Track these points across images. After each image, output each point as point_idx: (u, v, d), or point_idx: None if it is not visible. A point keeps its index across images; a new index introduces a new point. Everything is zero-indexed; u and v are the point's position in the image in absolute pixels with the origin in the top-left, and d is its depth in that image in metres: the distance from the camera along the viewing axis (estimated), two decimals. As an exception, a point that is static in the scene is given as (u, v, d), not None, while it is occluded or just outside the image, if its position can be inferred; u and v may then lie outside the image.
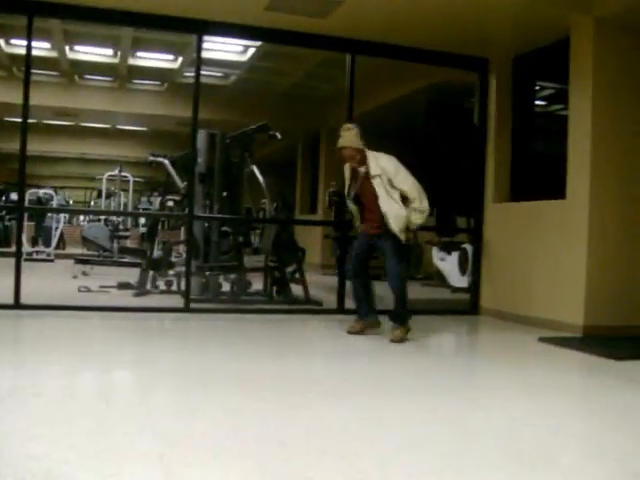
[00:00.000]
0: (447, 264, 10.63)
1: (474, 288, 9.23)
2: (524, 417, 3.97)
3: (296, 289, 9.38)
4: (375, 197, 6.61)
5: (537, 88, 9.44)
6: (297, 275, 9.51)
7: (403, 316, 6.87)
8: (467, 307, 9.19)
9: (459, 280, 9.99)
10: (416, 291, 10.55)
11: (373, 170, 6.63)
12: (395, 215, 6.58)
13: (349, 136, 6.73)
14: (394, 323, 6.88)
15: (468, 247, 9.60)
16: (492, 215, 9.08)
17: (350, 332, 6.99)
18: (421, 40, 8.57)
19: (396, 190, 6.62)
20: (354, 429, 3.55)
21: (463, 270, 9.86)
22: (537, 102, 9.70)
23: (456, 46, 8.73)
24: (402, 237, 6.67)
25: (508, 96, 9.11)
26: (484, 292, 9.13)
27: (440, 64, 9.52)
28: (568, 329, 7.40)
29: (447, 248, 10.65)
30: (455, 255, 10.23)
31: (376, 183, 6.61)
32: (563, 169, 7.76)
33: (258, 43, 11.61)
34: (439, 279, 11.08)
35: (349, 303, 8.65)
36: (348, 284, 8.72)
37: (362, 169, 6.74)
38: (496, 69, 9.11)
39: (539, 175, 9.07)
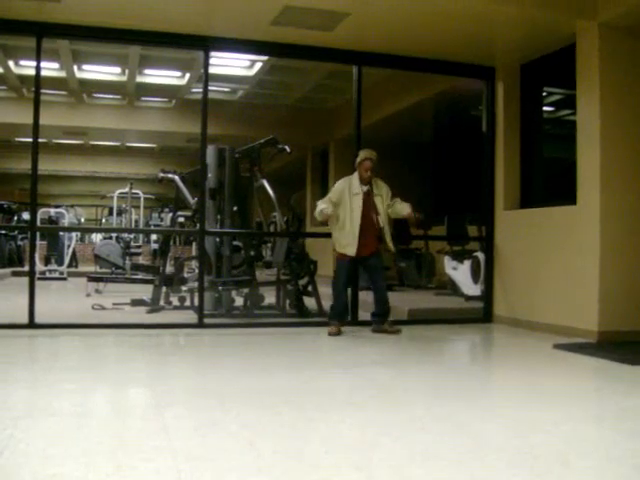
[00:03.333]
0: (459, 273, 10.61)
1: (487, 296, 9.22)
2: (539, 423, 3.95)
3: (309, 302, 9.37)
4: (375, 214, 7.82)
5: (545, 94, 9.41)
6: (309, 288, 9.50)
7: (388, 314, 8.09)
8: (480, 315, 9.17)
9: (472, 288, 9.97)
10: (429, 300, 10.58)
11: (377, 190, 7.92)
12: (387, 230, 7.93)
13: (376, 155, 7.88)
14: (383, 322, 8.05)
15: (480, 255, 9.58)
16: (503, 222, 9.06)
17: (331, 334, 7.75)
18: (427, 50, 8.59)
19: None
20: (369, 440, 3.54)
21: (475, 278, 9.84)
22: (545, 108, 9.67)
23: (463, 55, 8.75)
24: (393, 248, 8.08)
25: (516, 103, 9.11)
26: (497, 300, 9.12)
27: (447, 73, 9.56)
28: (582, 335, 7.38)
29: (459, 257, 10.63)
30: (467, 264, 10.21)
31: (378, 201, 7.88)
32: (573, 174, 7.75)
33: (265, 57, 11.65)
34: (452, 288, 11.05)
35: (362, 315, 8.68)
36: (362, 295, 8.77)
37: (366, 187, 7.85)
38: (503, 77, 9.12)
39: (549, 181, 9.05)
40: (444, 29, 7.90)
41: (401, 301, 10.12)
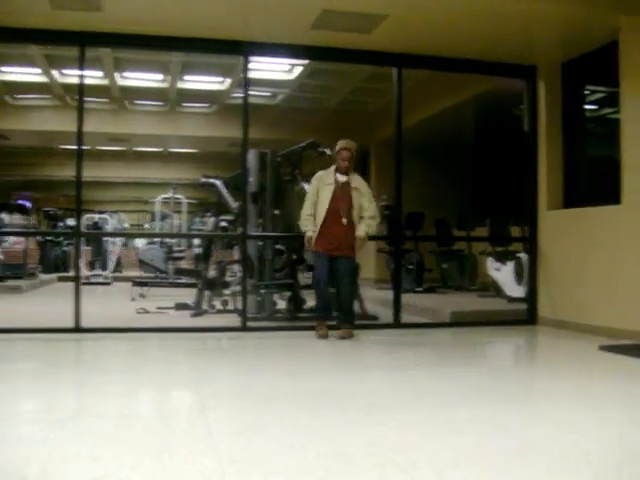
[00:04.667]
0: (502, 274, 10.52)
1: (531, 297, 9.13)
2: (585, 427, 3.91)
3: (351, 304, 9.36)
4: (349, 207, 7.56)
5: (587, 92, 9.32)
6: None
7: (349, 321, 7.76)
8: (524, 317, 9.08)
9: (515, 290, 9.88)
10: (472, 302, 10.51)
11: (354, 182, 7.70)
12: (359, 226, 7.61)
13: (354, 145, 7.76)
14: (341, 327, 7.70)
15: (523, 256, 9.49)
16: (546, 223, 8.98)
17: (322, 337, 7.54)
18: (467, 50, 8.55)
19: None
20: (412, 442, 3.53)
21: (519, 280, 9.75)
22: (587, 107, 9.57)
23: (503, 55, 8.69)
24: (362, 233, 7.61)
25: (558, 102, 9.02)
26: (541, 301, 9.02)
27: (488, 73, 9.50)
28: (629, 336, 7.26)
29: (502, 258, 10.54)
30: (510, 265, 10.12)
31: (355, 195, 7.63)
32: (617, 173, 7.65)
33: (304, 61, 11.68)
34: (495, 290, 10.97)
35: (406, 317, 8.65)
36: (404, 297, 8.75)
37: (344, 177, 7.66)
38: (544, 75, 9.04)
39: (593, 180, 8.95)
40: (484, 29, 7.85)
41: (443, 303, 10.09)
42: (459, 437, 3.64)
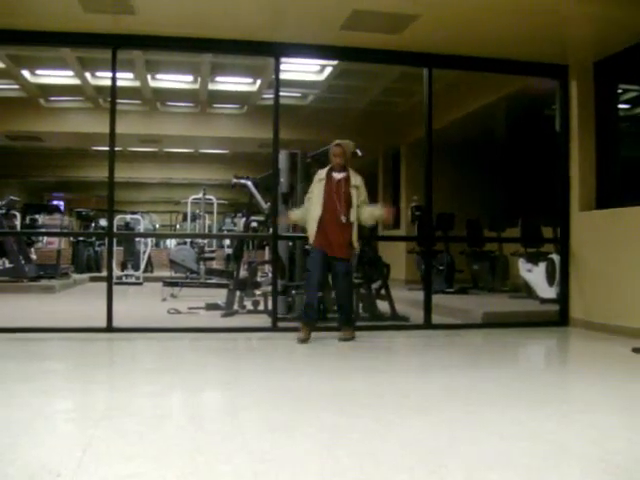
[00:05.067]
0: (534, 275, 10.46)
1: (563, 299, 9.05)
2: (619, 430, 3.87)
3: (382, 305, 9.35)
4: (348, 204, 7.36)
5: (620, 92, 9.23)
6: (383, 291, 9.49)
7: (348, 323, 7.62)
8: (556, 318, 9.01)
9: (547, 291, 9.81)
10: (503, 303, 10.46)
11: (354, 180, 7.48)
12: (356, 229, 7.40)
13: (347, 142, 7.61)
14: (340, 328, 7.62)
15: (555, 257, 9.43)
16: (579, 223, 8.90)
17: (301, 341, 7.27)
18: (499, 50, 8.50)
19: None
20: (444, 444, 3.52)
21: (551, 281, 9.68)
22: (621, 106, 9.47)
23: (535, 54, 8.63)
24: (356, 245, 7.51)
25: (590, 101, 8.94)
26: (573, 303, 8.94)
27: (519, 73, 9.44)
28: (663, 338, 7.20)
29: (533, 259, 10.48)
30: (542, 266, 10.06)
31: (354, 193, 7.43)
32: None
33: (335, 62, 11.69)
34: (527, 291, 10.90)
35: (436, 318, 8.62)
36: (435, 298, 8.72)
37: (341, 175, 7.47)
38: (577, 75, 8.95)
39: (627, 180, 8.86)
40: (515, 28, 7.79)
41: (475, 304, 10.04)
42: (490, 439, 3.62)
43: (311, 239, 7.43)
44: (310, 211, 7.47)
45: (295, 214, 7.81)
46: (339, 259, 7.38)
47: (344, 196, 7.38)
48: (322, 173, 7.54)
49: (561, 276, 9.13)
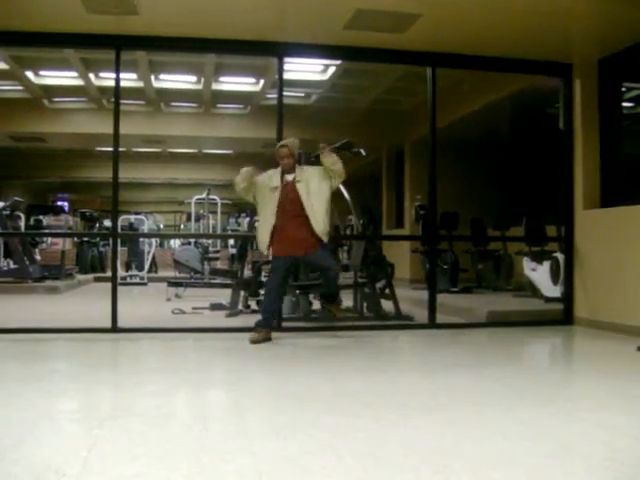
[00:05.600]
0: (538, 274, 10.44)
1: (567, 297, 9.04)
2: (624, 429, 3.86)
3: (386, 305, 9.35)
4: (299, 203, 7.14)
5: (624, 90, 9.20)
6: (387, 290, 9.48)
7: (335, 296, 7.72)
8: (561, 317, 9.00)
9: (551, 290, 9.80)
10: (508, 302, 10.46)
11: (298, 176, 7.25)
12: (320, 217, 7.15)
13: (292, 140, 7.45)
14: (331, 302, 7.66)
15: (559, 256, 9.41)
16: (583, 222, 8.88)
17: (255, 342, 7.10)
18: (502, 49, 8.49)
19: (318, 198, 7.19)
20: (448, 444, 3.52)
21: (555, 280, 9.67)
22: (624, 104, 9.45)
23: (538, 53, 8.61)
24: (325, 238, 7.22)
25: (594, 99, 8.92)
26: (578, 301, 8.93)
27: (523, 72, 9.42)
28: (668, 336, 7.18)
29: (538, 258, 10.46)
30: (546, 265, 10.04)
31: (301, 188, 7.18)
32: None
33: (338, 62, 11.68)
34: (531, 290, 10.89)
35: (441, 317, 8.61)
36: (439, 297, 8.72)
37: (291, 176, 7.30)
38: (580, 73, 8.94)
39: (631, 179, 8.84)
40: (519, 27, 7.78)
41: (480, 303, 10.03)
42: (495, 438, 3.62)
43: (262, 246, 7.32)
44: (262, 221, 7.37)
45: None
46: (307, 254, 7.24)
47: (296, 196, 7.18)
48: (275, 180, 7.31)
49: (565, 275, 9.12)
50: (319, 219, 7.15)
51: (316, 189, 7.23)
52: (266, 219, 7.26)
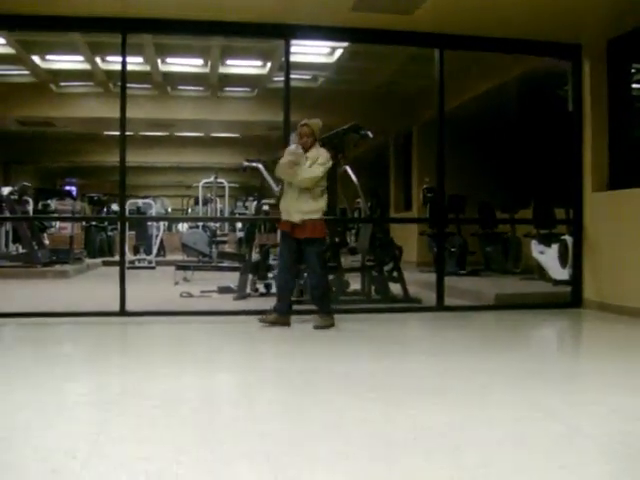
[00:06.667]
0: (547, 257, 10.41)
1: (576, 280, 9.01)
2: (634, 411, 3.86)
3: (394, 287, 9.35)
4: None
5: (633, 71, 9.13)
6: (395, 273, 9.48)
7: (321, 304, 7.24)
8: (569, 300, 8.98)
9: (560, 273, 9.77)
10: (516, 285, 10.45)
11: (310, 155, 7.04)
12: (306, 195, 6.98)
13: (315, 121, 7.20)
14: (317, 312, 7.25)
15: (568, 239, 9.38)
16: (592, 205, 8.84)
17: (264, 321, 7.05)
18: (510, 30, 8.43)
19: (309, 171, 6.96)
20: (457, 425, 3.52)
21: (564, 262, 9.64)
22: (634, 85, 9.38)
23: (547, 33, 8.55)
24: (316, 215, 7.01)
25: (603, 81, 8.84)
26: (587, 284, 8.90)
27: (531, 53, 9.35)
28: (677, 318, 7.16)
29: (546, 240, 10.42)
30: (555, 247, 10.00)
31: (307, 163, 7.00)
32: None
33: (345, 44, 11.64)
34: (539, 272, 10.87)
35: (449, 300, 8.61)
36: (447, 280, 8.70)
37: (307, 154, 7.08)
38: (589, 54, 8.86)
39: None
40: (527, 7, 7.73)
41: (488, 286, 10.03)
42: (504, 420, 3.62)
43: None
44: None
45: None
46: (305, 239, 7.03)
47: None
48: (292, 148, 7.22)
49: (574, 257, 9.09)
50: (305, 176, 6.93)
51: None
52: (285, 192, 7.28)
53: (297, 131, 7.27)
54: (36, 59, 13.12)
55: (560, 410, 3.86)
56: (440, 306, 8.54)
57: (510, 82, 12.21)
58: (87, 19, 7.93)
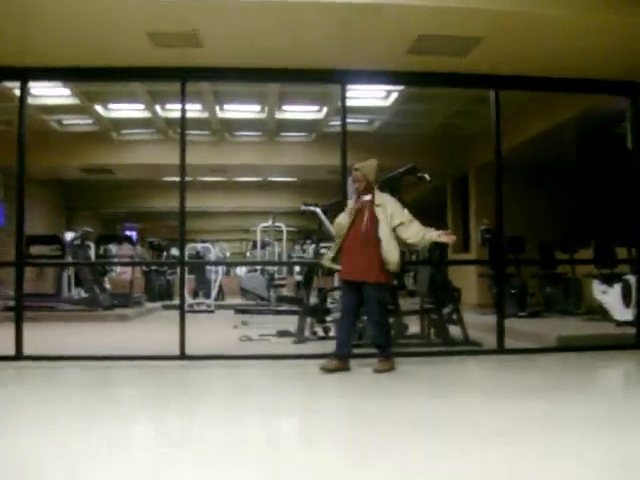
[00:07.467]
0: (609, 297, 10.24)
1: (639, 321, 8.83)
2: None
3: (454, 330, 9.25)
4: (373, 224, 6.88)
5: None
6: (454, 316, 9.39)
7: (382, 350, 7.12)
8: (633, 341, 8.77)
9: (623, 313, 9.59)
10: (578, 326, 10.25)
11: (378, 200, 6.99)
12: (391, 245, 6.86)
13: (367, 163, 7.15)
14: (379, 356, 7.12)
15: (631, 278, 9.21)
16: (654, 243, 8.67)
17: (323, 368, 6.90)
18: (565, 69, 8.37)
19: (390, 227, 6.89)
20: (525, 471, 3.45)
21: (627, 302, 9.46)
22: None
23: (602, 72, 8.46)
24: (396, 268, 6.94)
25: (663, 116, 8.73)
26: (651, 325, 8.70)
27: (587, 92, 9.29)
28: None
29: (608, 280, 10.26)
30: (617, 287, 9.84)
31: (379, 211, 6.93)
32: None
33: (400, 87, 11.70)
34: (602, 313, 10.68)
35: (509, 342, 8.48)
36: (507, 322, 8.58)
37: (367, 197, 7.04)
38: (647, 91, 8.76)
39: None
40: (581, 46, 7.67)
41: (549, 327, 9.87)
42: (573, 465, 3.54)
43: (325, 260, 7.29)
44: (337, 244, 7.15)
45: (326, 258, 7.32)
46: (368, 284, 6.90)
47: (369, 215, 6.95)
48: (350, 205, 7.22)
49: (637, 297, 8.91)
50: (392, 245, 6.87)
51: (390, 217, 6.93)
52: (340, 240, 7.10)
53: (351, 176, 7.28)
54: (99, 108, 13.46)
55: (630, 455, 3.75)
56: (501, 349, 8.41)
57: (568, 121, 12.12)
58: (148, 69, 8.15)
